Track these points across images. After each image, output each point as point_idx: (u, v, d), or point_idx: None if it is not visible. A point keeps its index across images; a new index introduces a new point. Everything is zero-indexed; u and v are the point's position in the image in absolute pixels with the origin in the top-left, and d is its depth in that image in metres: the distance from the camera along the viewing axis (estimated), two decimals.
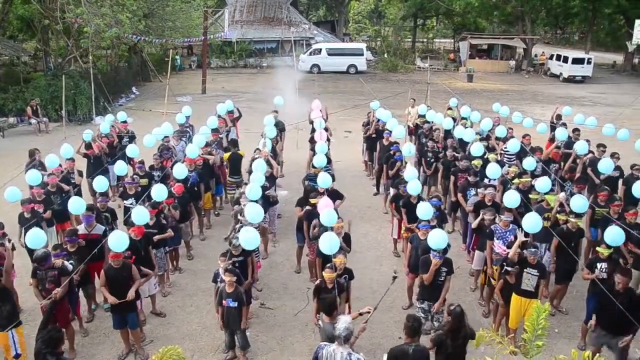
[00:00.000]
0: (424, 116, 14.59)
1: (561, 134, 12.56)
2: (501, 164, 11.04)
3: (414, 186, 9.40)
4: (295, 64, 28.45)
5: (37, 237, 7.74)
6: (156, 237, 8.65)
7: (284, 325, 8.40)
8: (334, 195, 9.81)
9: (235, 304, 7.07)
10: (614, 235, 7.48)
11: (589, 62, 35.85)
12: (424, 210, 8.33)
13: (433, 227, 8.07)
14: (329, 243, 7.00)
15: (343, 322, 5.50)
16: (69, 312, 7.65)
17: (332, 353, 5.47)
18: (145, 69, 33.49)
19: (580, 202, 8.53)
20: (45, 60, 26.64)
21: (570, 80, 35.25)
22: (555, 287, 8.71)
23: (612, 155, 11.32)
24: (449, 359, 6.02)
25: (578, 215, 8.55)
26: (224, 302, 7.11)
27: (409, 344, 5.70)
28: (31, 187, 9.85)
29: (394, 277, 6.60)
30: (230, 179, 12.22)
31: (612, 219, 8.48)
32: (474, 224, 9.12)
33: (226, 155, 12.29)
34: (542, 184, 9.57)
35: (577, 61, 35.81)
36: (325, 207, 8.46)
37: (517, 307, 7.58)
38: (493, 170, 10.10)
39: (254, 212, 8.06)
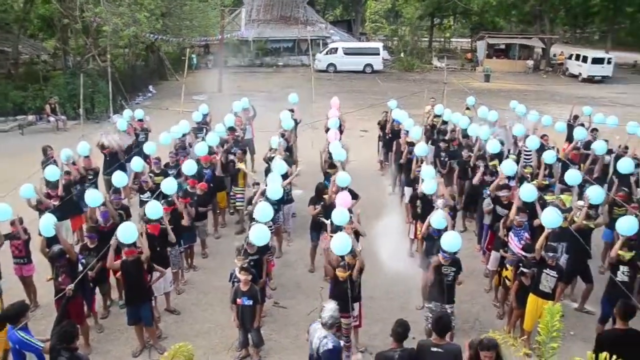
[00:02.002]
0: (440, 116, 14.49)
1: (580, 134, 12.40)
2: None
3: (429, 185, 9.34)
4: (311, 63, 28.38)
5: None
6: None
7: (297, 324, 8.40)
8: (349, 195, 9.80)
9: (250, 302, 7.11)
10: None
11: (609, 62, 35.35)
12: (438, 220, 8.27)
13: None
14: (340, 243, 6.98)
15: (329, 310, 5.82)
16: (83, 307, 7.75)
17: (315, 329, 5.92)
18: (162, 67, 33.74)
19: (596, 193, 8.63)
20: (64, 58, 26.95)
21: (590, 80, 34.78)
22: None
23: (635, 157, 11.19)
24: None
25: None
26: (238, 300, 7.16)
27: (395, 350, 5.62)
28: (48, 183, 9.97)
29: None
30: (236, 189, 11.73)
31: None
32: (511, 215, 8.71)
33: (241, 164, 11.87)
34: (572, 176, 9.48)
35: (597, 61, 35.30)
36: (341, 205, 8.48)
37: (533, 308, 7.51)
38: (508, 167, 10.00)
39: (263, 210, 8.06)
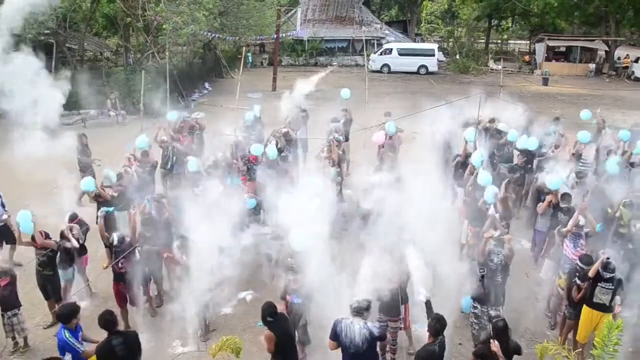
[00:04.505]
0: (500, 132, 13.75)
1: None
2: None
3: (490, 192, 9.07)
4: (365, 64, 28.34)
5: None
6: None
7: None
8: None
9: (299, 301, 7.14)
10: None
11: None
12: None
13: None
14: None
15: (358, 297, 5.94)
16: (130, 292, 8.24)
17: (348, 325, 5.80)
18: (218, 65, 34.42)
19: None
20: (126, 55, 27.92)
21: None
22: None
23: None
24: None
25: None
26: (287, 297, 7.19)
27: (434, 343, 5.68)
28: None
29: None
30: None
31: None
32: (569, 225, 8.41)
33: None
34: None
35: None
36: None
37: (587, 320, 7.24)
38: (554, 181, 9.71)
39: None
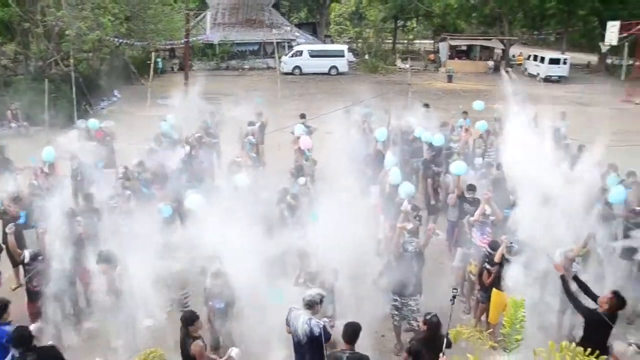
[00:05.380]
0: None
1: None
2: None
3: (404, 189, 9.48)
4: (277, 66, 28.47)
5: None
6: None
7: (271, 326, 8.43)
8: None
9: (222, 305, 7.13)
10: None
11: (565, 63, 36.67)
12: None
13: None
14: None
15: (311, 291, 5.97)
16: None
17: (296, 316, 5.87)
18: (127, 71, 33.26)
19: None
20: (26, 63, 26.36)
21: (547, 80, 35.87)
22: None
23: None
24: None
25: None
26: (210, 302, 7.17)
27: (344, 351, 5.63)
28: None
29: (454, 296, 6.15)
30: None
31: None
32: (476, 215, 8.90)
33: None
34: None
35: (554, 61, 36.65)
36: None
37: (497, 302, 7.72)
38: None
39: None
